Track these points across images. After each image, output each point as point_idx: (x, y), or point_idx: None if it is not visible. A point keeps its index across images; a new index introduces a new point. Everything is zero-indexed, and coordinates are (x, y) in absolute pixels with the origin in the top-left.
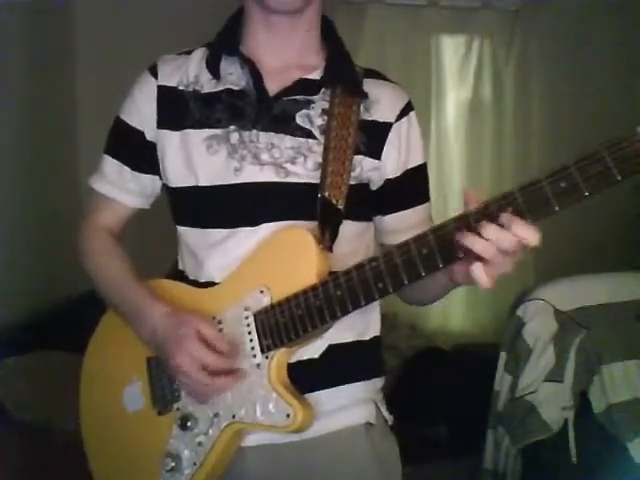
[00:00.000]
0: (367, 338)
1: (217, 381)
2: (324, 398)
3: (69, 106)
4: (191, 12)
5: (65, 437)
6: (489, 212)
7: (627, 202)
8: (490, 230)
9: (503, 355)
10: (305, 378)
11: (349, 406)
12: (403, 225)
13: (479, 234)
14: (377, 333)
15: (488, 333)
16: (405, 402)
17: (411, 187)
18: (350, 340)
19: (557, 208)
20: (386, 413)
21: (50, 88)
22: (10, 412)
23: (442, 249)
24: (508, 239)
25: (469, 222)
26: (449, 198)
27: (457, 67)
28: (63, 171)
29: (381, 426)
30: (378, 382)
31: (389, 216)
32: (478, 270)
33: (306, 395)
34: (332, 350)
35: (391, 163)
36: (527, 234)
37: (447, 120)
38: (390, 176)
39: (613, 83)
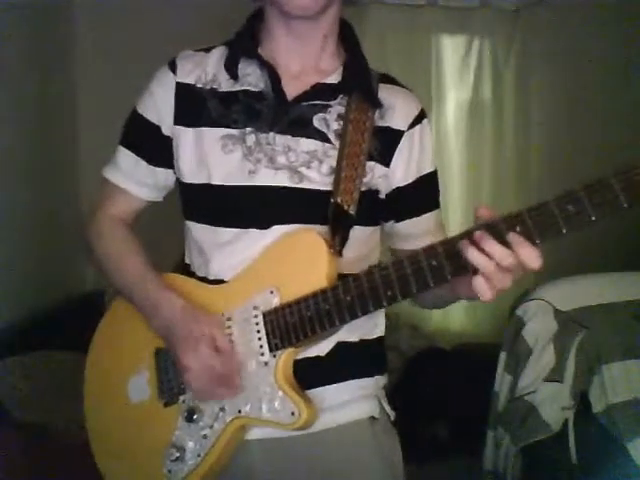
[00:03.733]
0: (372, 337)
1: (219, 390)
2: (329, 393)
3: (69, 106)
4: (191, 12)
5: (65, 437)
6: (498, 229)
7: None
8: (493, 246)
9: (503, 355)
10: (312, 374)
11: (353, 401)
12: (415, 231)
13: (482, 249)
14: (382, 334)
15: (488, 333)
16: (406, 402)
17: (423, 194)
18: (357, 339)
19: (565, 230)
20: (388, 408)
21: (50, 88)
22: (10, 412)
23: (451, 262)
24: (510, 258)
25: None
26: (448, 198)
27: (457, 67)
28: (63, 171)
29: (384, 420)
30: (381, 379)
31: (402, 222)
32: (480, 283)
33: (312, 390)
34: (339, 348)
35: (400, 171)
36: (530, 256)
37: (447, 120)
38: (400, 184)
39: (613, 83)
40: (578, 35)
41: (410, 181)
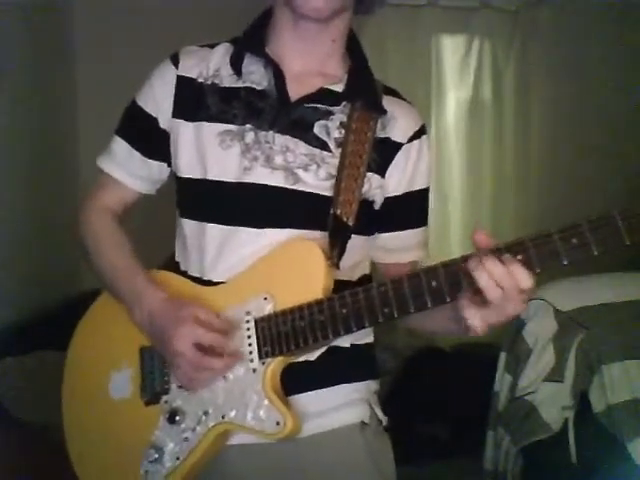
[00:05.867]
0: (362, 343)
1: (212, 361)
2: (319, 397)
3: (69, 106)
4: (191, 12)
5: (65, 437)
6: (498, 255)
7: (627, 203)
8: (495, 267)
9: (503, 355)
10: (302, 378)
11: (343, 406)
12: (397, 245)
13: (486, 269)
14: (371, 340)
15: (488, 333)
16: (405, 402)
17: (411, 209)
18: (347, 345)
19: (566, 262)
20: (380, 414)
21: (50, 88)
22: (10, 412)
23: (451, 284)
24: (508, 278)
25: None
26: (449, 199)
27: (457, 67)
28: (63, 171)
29: (375, 426)
30: (372, 384)
31: (385, 234)
32: (470, 314)
33: (302, 395)
34: (329, 353)
35: (392, 183)
36: (521, 274)
37: (447, 120)
38: (389, 195)
39: (613, 83)
40: (578, 35)
41: (399, 193)
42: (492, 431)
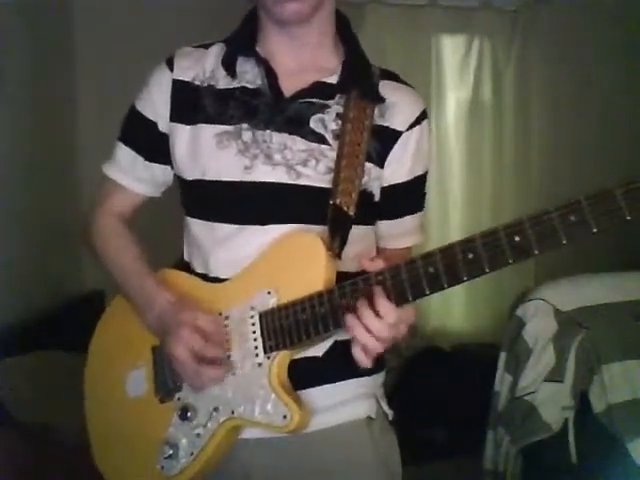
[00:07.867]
0: None
1: (206, 370)
2: (326, 393)
3: (69, 106)
4: (191, 12)
5: (65, 437)
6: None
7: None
8: (371, 321)
9: (503, 355)
10: (308, 374)
11: (350, 401)
12: (396, 232)
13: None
14: None
15: (488, 333)
16: (405, 402)
17: (410, 196)
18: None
19: (565, 241)
20: (386, 408)
21: (50, 88)
22: (10, 412)
23: (448, 270)
24: (385, 331)
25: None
26: (449, 198)
27: (457, 67)
28: (63, 171)
29: (381, 420)
30: (379, 377)
31: (384, 222)
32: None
33: (309, 390)
34: (336, 347)
35: (389, 171)
36: (386, 311)
37: (447, 120)
38: (387, 183)
39: (613, 83)
40: (578, 35)
41: (400, 181)
42: (492, 431)
